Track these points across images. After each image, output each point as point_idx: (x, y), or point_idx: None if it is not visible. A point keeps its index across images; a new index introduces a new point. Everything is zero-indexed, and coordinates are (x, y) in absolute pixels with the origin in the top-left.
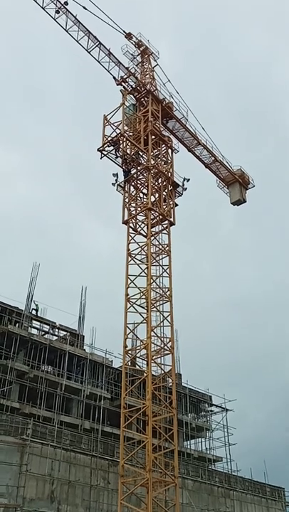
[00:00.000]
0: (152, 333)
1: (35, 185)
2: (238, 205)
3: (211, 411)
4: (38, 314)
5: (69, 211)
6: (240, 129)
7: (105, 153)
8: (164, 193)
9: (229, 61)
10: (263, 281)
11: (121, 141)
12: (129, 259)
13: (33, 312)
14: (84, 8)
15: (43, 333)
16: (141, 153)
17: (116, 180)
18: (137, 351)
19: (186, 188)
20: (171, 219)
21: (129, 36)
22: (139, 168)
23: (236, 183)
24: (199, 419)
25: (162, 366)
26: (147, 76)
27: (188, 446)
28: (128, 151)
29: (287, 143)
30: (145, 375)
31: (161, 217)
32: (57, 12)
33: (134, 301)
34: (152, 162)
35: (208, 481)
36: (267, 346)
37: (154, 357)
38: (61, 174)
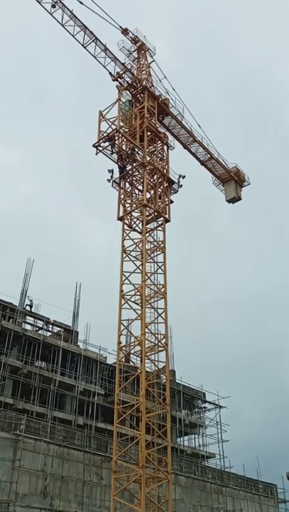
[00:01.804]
0: (146, 330)
1: (34, 183)
2: (233, 202)
3: (205, 408)
4: (33, 310)
5: (67, 208)
6: (240, 128)
7: (101, 149)
8: (160, 189)
9: (229, 61)
10: (259, 279)
11: (116, 137)
12: (124, 255)
13: (27, 308)
14: (80, 2)
15: (37, 328)
16: (136, 150)
17: (111, 177)
18: (131, 348)
19: (181, 185)
20: (167, 216)
21: (125, 32)
22: (134, 164)
23: (232, 180)
24: (193, 415)
25: (156, 363)
26: (143, 72)
27: (182, 443)
28: (123, 147)
29: (287, 143)
30: (139, 371)
31: (156, 213)
32: (53, 6)
33: (128, 297)
34: (148, 158)
35: (201, 477)
36: (263, 344)
37: (148, 353)
38: (60, 171)
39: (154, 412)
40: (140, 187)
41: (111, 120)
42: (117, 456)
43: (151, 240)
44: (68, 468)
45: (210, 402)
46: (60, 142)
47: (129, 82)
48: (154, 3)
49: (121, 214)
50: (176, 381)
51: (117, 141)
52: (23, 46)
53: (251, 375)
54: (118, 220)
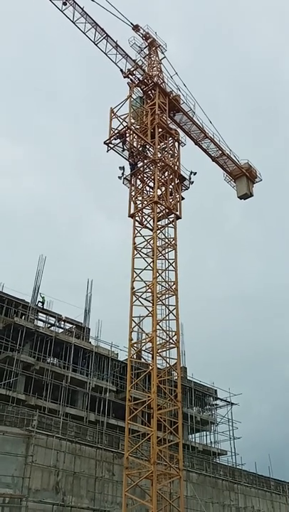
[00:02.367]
0: (158, 327)
1: (42, 179)
2: (245, 199)
3: (216, 405)
4: (44, 307)
5: (76, 204)
6: (249, 123)
7: (112, 146)
8: (171, 186)
9: (238, 56)
10: (269, 277)
11: (128, 134)
12: (135, 252)
13: (39, 305)
14: None
15: (49, 325)
16: (148, 147)
17: (122, 174)
18: (143, 344)
19: (192, 182)
20: (178, 212)
21: (136, 28)
22: (145, 161)
23: (243, 176)
24: (204, 412)
25: (167, 359)
26: (154, 69)
27: (193, 440)
28: (135, 144)
29: None
30: (150, 368)
31: (167, 210)
32: (64, 4)
33: (139, 294)
34: (159, 155)
35: (213, 474)
36: (272, 341)
37: (159, 350)
38: (69, 167)
39: (166, 408)
40: (151, 184)
41: (122, 117)
42: (128, 453)
43: (162, 236)
44: (80, 464)
45: (221, 399)
46: (68, 138)
47: (141, 78)
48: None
49: (132, 211)
50: (188, 378)
51: (128, 138)
52: (34, 41)
53: (258, 372)
54: (129, 217)
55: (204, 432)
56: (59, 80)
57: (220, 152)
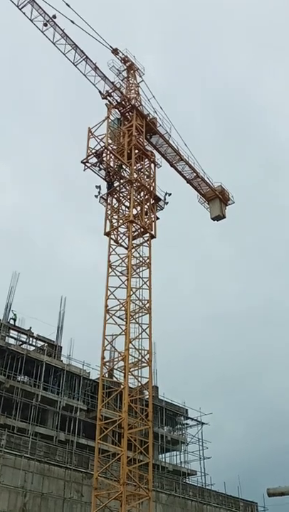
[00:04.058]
0: (130, 345)
1: (19, 196)
2: (218, 220)
3: (187, 424)
4: (16, 324)
5: (52, 221)
6: (225, 146)
7: (89, 165)
8: (146, 206)
9: (216, 79)
10: (244, 297)
11: (105, 154)
12: (110, 270)
13: (11, 322)
14: (72, 22)
15: (21, 343)
16: (124, 167)
17: (99, 193)
18: (115, 363)
19: (167, 202)
20: (152, 232)
21: (115, 52)
22: (121, 181)
23: (216, 199)
24: (175, 432)
25: (139, 378)
26: (132, 91)
27: (164, 460)
28: (111, 164)
29: (271, 161)
30: (122, 387)
31: (142, 229)
32: (45, 25)
33: (113, 312)
34: (135, 176)
35: (182, 494)
36: (245, 361)
37: (131, 369)
38: (46, 184)
39: (137, 428)
40: (127, 203)
41: (99, 137)
42: (98, 473)
43: (137, 255)
44: (48, 484)
45: (192, 419)
46: (46, 155)
47: (118, 100)
48: (141, 22)
49: (107, 229)
50: (159, 397)
51: (105, 158)
52: (15, 58)
53: (230, 392)
54: (105, 235)
55: (174, 452)
56: (37, 97)
57: (194, 174)
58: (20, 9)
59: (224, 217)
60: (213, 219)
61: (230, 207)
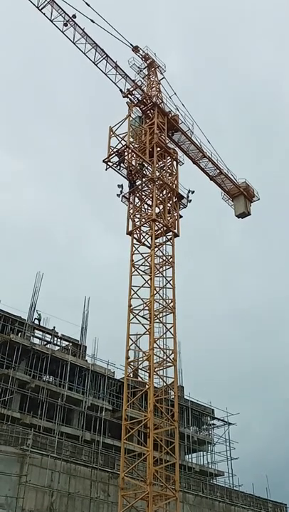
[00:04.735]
0: (155, 345)
1: (42, 194)
2: (243, 217)
3: (213, 424)
4: (41, 324)
5: (75, 220)
6: (249, 142)
7: (110, 164)
8: (169, 204)
9: (239, 76)
10: (268, 294)
11: (126, 153)
12: (133, 269)
13: (36, 322)
14: (92, 21)
15: (45, 342)
16: (146, 165)
17: (121, 192)
18: (140, 363)
19: (190, 200)
20: (176, 230)
21: (136, 49)
22: (144, 179)
23: (241, 195)
24: (201, 432)
25: (164, 378)
26: (154, 89)
27: (190, 460)
28: (133, 163)
29: None
30: (147, 386)
31: (165, 228)
32: (65, 25)
33: (137, 312)
34: (157, 174)
35: (210, 495)
36: (271, 359)
37: (156, 369)
38: (69, 183)
39: (162, 428)
40: (149, 202)
41: (121, 136)
42: (124, 473)
43: (160, 254)
44: (75, 484)
45: (219, 419)
46: (68, 154)
47: (140, 98)
48: (162, 19)
49: (130, 228)
50: (185, 397)
51: (126, 157)
52: (35, 58)
53: (257, 391)
54: (127, 234)
55: (201, 452)
56: (59, 96)
57: (218, 171)
58: (40, 10)
59: (249, 214)
60: (238, 216)
61: (257, 203)
